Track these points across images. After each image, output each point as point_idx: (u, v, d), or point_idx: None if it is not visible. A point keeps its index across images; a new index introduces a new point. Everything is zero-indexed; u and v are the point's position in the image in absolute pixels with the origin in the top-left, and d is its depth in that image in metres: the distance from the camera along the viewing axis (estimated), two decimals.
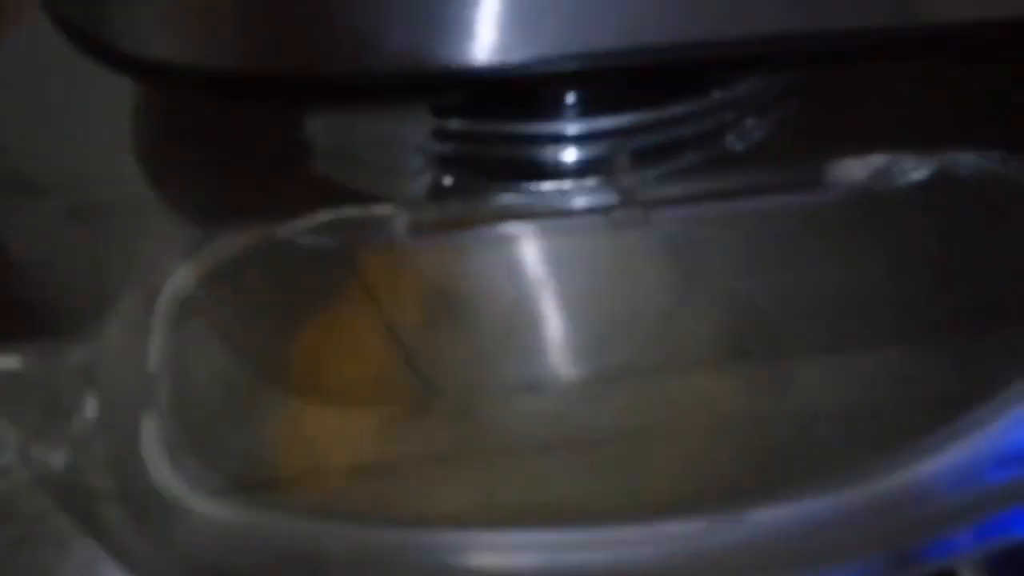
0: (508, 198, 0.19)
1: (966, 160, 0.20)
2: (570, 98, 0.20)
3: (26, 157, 0.24)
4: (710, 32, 0.18)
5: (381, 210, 0.17)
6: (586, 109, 0.21)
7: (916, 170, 0.19)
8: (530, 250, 0.19)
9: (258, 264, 0.17)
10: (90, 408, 0.15)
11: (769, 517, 0.14)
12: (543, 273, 0.19)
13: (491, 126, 0.21)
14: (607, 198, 0.19)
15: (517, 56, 0.18)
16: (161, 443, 0.14)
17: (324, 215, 0.17)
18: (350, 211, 0.17)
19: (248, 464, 0.15)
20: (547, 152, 0.21)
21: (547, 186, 0.20)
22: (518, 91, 0.19)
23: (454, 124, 0.20)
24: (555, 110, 0.21)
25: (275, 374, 0.17)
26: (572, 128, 0.21)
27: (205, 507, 0.14)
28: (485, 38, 0.17)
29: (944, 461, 0.15)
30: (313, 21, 0.17)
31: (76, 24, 0.19)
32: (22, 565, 0.17)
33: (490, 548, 0.14)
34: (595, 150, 0.20)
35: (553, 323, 0.19)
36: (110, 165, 0.23)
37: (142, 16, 0.18)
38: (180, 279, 0.16)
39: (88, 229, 0.22)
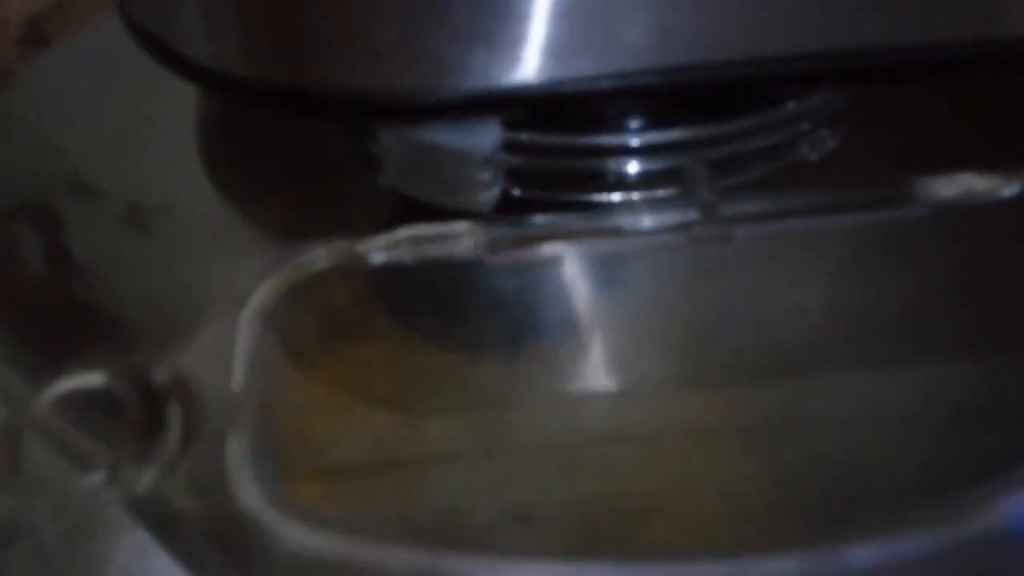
0: (584, 215, 0.19)
1: None
2: (640, 110, 0.20)
3: (87, 159, 0.24)
4: (783, 47, 0.18)
5: (458, 227, 0.17)
6: (656, 120, 0.20)
7: (1005, 188, 0.19)
8: (606, 267, 0.19)
9: (339, 280, 0.17)
10: (175, 428, 0.15)
11: (863, 556, 0.13)
12: (619, 289, 0.19)
13: (561, 139, 0.20)
14: (685, 213, 0.18)
15: (588, 70, 0.17)
16: (247, 466, 0.14)
17: (402, 232, 0.17)
18: (428, 228, 0.17)
19: (335, 487, 0.15)
20: (618, 164, 0.20)
21: (619, 197, 0.20)
22: (587, 104, 0.19)
23: (524, 137, 0.20)
24: (625, 122, 0.20)
25: (358, 391, 0.17)
26: (642, 140, 0.20)
27: (292, 534, 0.14)
28: (556, 56, 0.17)
29: None
30: (384, 41, 0.16)
31: (149, 31, 0.19)
32: (76, 555, 0.17)
33: None
34: (666, 162, 0.20)
35: (625, 336, 0.19)
36: (173, 170, 0.23)
37: (216, 27, 0.18)
38: (262, 296, 0.16)
39: (149, 234, 0.22)
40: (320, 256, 0.16)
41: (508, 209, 0.20)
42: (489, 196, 0.20)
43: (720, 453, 0.16)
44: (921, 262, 0.19)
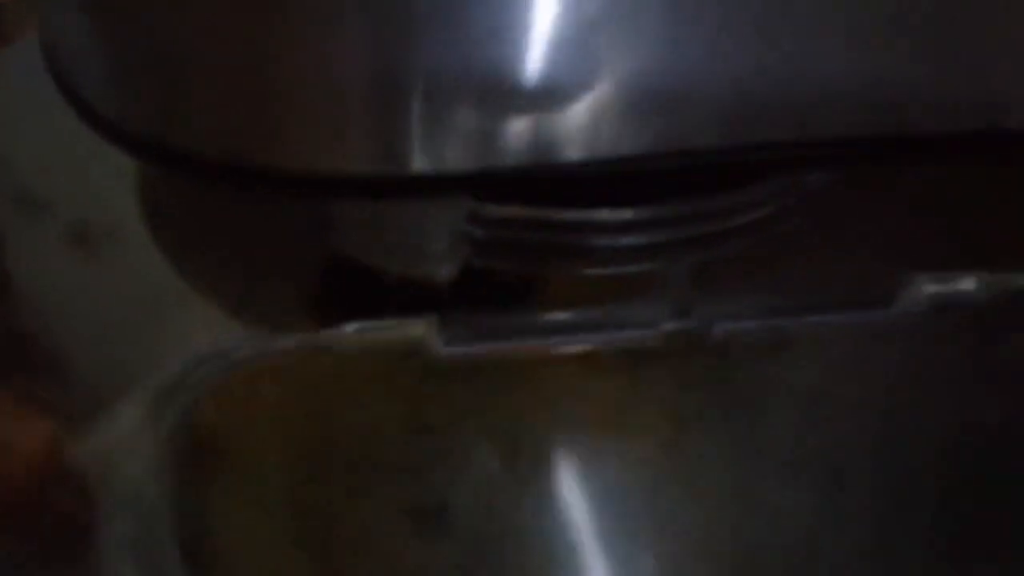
0: (551, 315, 0.18)
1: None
2: (615, 190, 0.20)
3: (29, 171, 0.23)
4: (766, 134, 0.17)
5: (414, 327, 0.16)
6: (632, 198, 0.20)
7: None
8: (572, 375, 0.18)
9: (280, 378, 0.16)
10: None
11: None
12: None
13: (529, 212, 0.20)
14: (658, 312, 0.18)
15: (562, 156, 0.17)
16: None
17: (352, 327, 0.16)
18: (382, 324, 0.16)
19: None
20: (588, 240, 0.20)
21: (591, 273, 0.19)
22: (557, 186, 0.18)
23: (491, 209, 0.19)
24: (597, 198, 0.20)
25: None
26: (613, 216, 0.20)
27: None
28: (530, 140, 0.16)
29: None
30: (338, 120, 0.15)
31: (82, 98, 0.18)
32: None
33: None
34: (638, 238, 0.19)
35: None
36: (123, 187, 0.22)
37: (154, 100, 0.17)
38: (183, 392, 0.15)
39: (91, 254, 0.21)
40: (260, 348, 0.15)
41: (467, 280, 0.19)
42: (449, 268, 0.19)
43: None
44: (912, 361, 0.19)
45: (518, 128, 0.16)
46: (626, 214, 0.19)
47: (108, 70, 0.17)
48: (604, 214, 0.20)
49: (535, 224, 0.20)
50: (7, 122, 0.23)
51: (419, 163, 0.16)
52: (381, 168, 0.16)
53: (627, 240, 0.19)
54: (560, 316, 0.18)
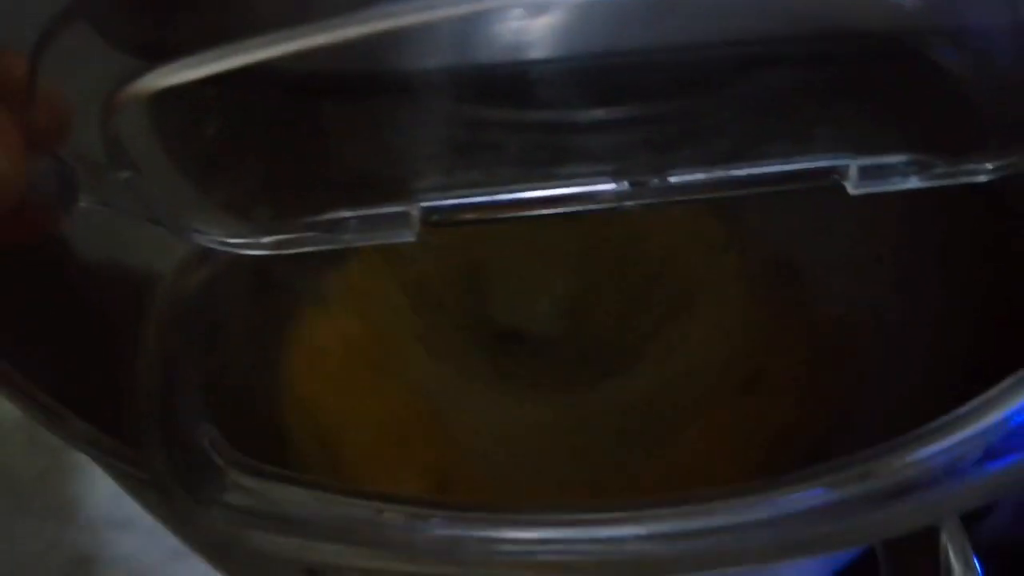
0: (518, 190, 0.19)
1: None
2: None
3: None
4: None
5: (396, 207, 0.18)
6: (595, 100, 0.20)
7: None
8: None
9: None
10: None
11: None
12: None
13: (508, 114, 0.21)
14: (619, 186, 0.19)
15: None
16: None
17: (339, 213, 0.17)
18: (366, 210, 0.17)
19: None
20: (561, 140, 0.21)
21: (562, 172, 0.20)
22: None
23: (471, 111, 0.21)
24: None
25: None
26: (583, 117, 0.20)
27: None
28: None
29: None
30: None
31: None
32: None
33: None
34: (605, 140, 0.20)
35: None
36: None
37: None
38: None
39: None
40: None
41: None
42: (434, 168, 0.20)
43: None
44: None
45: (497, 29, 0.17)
46: (609, 113, 0.20)
47: None
48: (585, 114, 0.21)
49: (515, 125, 0.21)
50: None
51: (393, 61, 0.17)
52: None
53: (604, 139, 0.20)
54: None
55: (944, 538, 0.18)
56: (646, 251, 0.25)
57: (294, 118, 0.17)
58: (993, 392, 0.18)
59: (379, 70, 0.17)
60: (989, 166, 0.19)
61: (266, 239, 0.17)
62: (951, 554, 0.18)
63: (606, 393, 0.23)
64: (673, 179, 0.18)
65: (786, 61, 0.18)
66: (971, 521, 0.39)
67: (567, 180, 0.18)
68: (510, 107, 0.18)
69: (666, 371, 0.25)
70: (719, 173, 0.18)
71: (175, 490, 0.16)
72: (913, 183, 0.19)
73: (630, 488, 0.22)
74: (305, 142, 0.18)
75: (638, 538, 0.16)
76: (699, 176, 0.18)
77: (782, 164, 0.18)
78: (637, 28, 0.17)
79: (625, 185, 0.18)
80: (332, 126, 0.18)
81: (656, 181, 0.18)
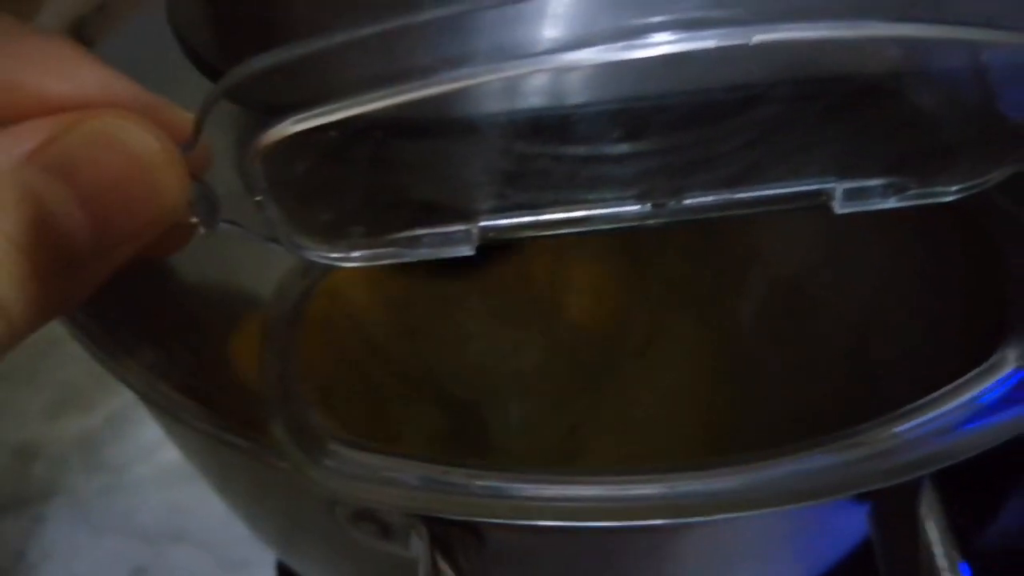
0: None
1: None
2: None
3: None
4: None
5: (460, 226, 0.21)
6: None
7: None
8: None
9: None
10: None
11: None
12: None
13: (549, 148, 0.25)
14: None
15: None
16: None
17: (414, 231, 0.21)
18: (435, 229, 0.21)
19: None
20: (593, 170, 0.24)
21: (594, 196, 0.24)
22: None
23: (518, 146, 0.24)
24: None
25: None
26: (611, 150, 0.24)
27: None
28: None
29: None
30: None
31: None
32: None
33: None
34: (629, 170, 0.24)
35: None
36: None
37: None
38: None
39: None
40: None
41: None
42: (486, 195, 0.24)
43: None
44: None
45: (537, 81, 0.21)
46: (632, 146, 0.24)
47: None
48: (612, 148, 0.24)
49: (555, 158, 0.25)
50: None
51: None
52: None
53: (628, 169, 0.24)
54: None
55: (931, 536, 0.22)
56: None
57: (380, 156, 0.21)
58: (949, 387, 0.21)
59: (445, 115, 0.21)
60: (954, 188, 0.22)
61: (357, 253, 0.21)
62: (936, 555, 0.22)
63: None
64: (687, 201, 0.22)
65: (781, 99, 0.22)
66: (977, 527, 0.41)
67: (598, 203, 0.22)
68: (551, 143, 0.22)
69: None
70: (725, 195, 0.22)
71: (295, 455, 0.20)
72: (891, 203, 0.22)
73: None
74: (388, 175, 0.22)
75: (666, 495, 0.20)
76: (709, 198, 0.22)
77: (778, 187, 0.22)
78: (656, 76, 0.21)
79: (648, 207, 0.22)
80: (408, 161, 0.22)
81: (673, 203, 0.22)
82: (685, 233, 0.24)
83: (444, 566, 0.21)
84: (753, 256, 0.28)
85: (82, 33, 0.31)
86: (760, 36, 0.14)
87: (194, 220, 0.18)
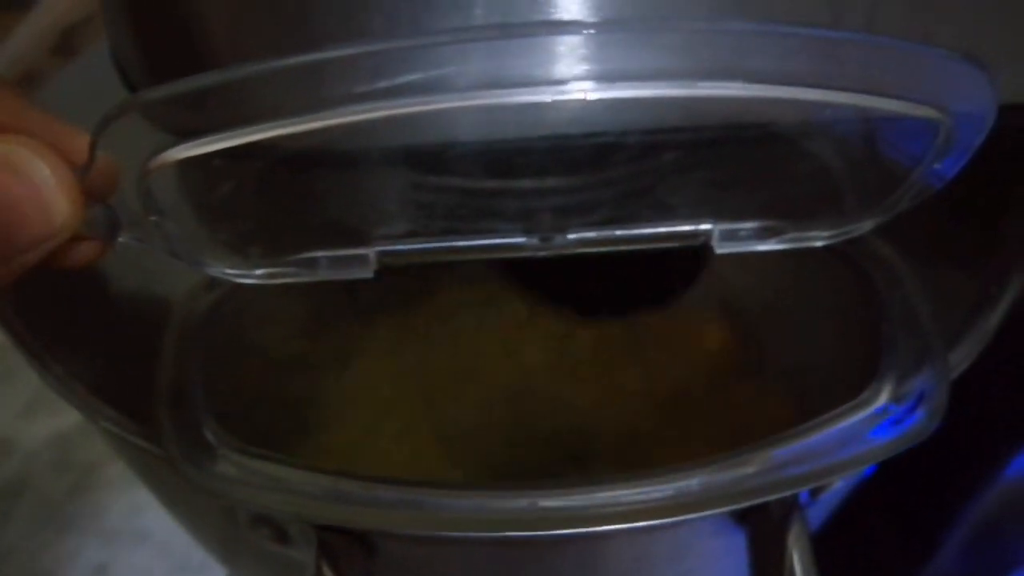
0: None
1: None
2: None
3: None
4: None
5: (358, 250, 0.23)
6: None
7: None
8: None
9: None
10: None
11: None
12: None
13: (463, 182, 0.26)
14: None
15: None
16: None
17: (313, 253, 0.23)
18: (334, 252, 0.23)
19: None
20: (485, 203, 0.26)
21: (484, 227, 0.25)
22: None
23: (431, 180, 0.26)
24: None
25: None
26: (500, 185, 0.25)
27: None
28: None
29: None
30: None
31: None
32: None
33: None
34: (518, 204, 0.25)
35: None
36: None
37: None
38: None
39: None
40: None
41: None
42: (398, 226, 0.26)
43: None
44: None
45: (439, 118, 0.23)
46: (522, 184, 0.26)
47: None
48: (502, 183, 0.26)
49: (469, 191, 0.26)
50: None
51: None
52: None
53: (517, 203, 0.25)
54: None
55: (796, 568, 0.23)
56: None
57: (281, 182, 0.23)
58: (826, 415, 0.23)
59: (344, 148, 0.22)
60: (826, 233, 0.24)
61: (258, 271, 0.23)
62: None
63: None
64: (571, 236, 0.23)
65: (666, 146, 0.23)
66: (918, 562, 0.42)
67: (490, 234, 0.23)
68: (446, 176, 0.24)
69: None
70: (607, 232, 0.23)
71: (179, 460, 0.21)
72: (767, 245, 0.24)
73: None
74: (288, 200, 0.23)
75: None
76: (591, 234, 0.23)
77: (657, 226, 0.23)
78: (552, 120, 0.22)
79: (535, 239, 0.23)
80: (310, 188, 0.23)
81: (558, 237, 0.23)
82: None
83: (327, 571, 0.22)
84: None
85: (71, 41, 0.33)
86: (596, 94, 0.16)
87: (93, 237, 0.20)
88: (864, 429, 0.23)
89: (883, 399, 0.23)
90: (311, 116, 0.18)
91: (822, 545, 0.24)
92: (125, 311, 0.26)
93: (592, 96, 0.16)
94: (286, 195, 0.23)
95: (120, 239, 0.21)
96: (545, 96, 0.17)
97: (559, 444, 0.28)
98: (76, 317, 0.26)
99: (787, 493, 0.22)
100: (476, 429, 0.27)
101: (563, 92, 0.16)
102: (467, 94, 0.17)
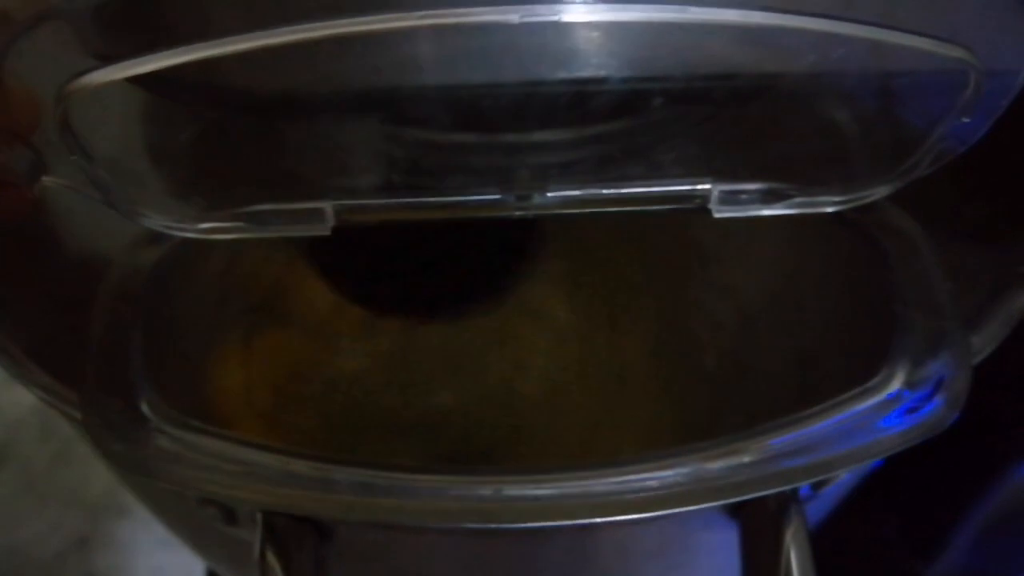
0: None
1: None
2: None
3: None
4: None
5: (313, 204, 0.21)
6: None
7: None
8: None
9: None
10: None
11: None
12: None
13: (437, 135, 0.24)
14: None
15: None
16: None
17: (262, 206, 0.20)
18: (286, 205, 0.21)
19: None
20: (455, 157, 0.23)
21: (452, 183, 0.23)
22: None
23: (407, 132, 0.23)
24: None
25: None
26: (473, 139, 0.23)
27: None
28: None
29: None
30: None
31: None
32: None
33: None
34: (493, 160, 0.23)
35: None
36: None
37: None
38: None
39: None
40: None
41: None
42: (371, 181, 0.24)
43: None
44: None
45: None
46: (524, 136, 0.23)
47: None
48: (504, 137, 0.24)
49: (437, 145, 0.24)
50: None
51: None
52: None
53: (492, 159, 0.23)
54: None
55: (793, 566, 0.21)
56: None
57: (234, 128, 0.20)
58: (830, 402, 0.20)
59: (304, 92, 0.20)
60: (837, 199, 0.21)
61: (202, 225, 0.20)
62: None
63: None
64: (551, 194, 0.21)
65: (665, 95, 0.21)
66: (927, 558, 0.40)
67: (457, 191, 0.21)
68: (414, 127, 0.21)
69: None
70: (592, 191, 0.21)
71: (102, 433, 0.19)
72: (771, 210, 0.21)
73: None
74: (241, 148, 0.21)
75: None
76: (575, 192, 0.21)
77: (649, 185, 0.21)
78: (525, 60, 0.20)
79: (512, 197, 0.21)
80: (266, 137, 0.21)
81: (537, 196, 0.21)
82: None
83: (272, 558, 0.20)
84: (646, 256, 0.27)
85: None
86: (571, 16, 0.13)
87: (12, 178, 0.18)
88: (874, 417, 0.20)
89: (896, 384, 0.21)
90: (250, 36, 0.16)
91: (823, 541, 0.22)
92: (67, 266, 0.24)
93: (567, 18, 0.14)
94: (239, 142, 0.21)
95: (44, 182, 0.18)
96: (512, 16, 0.14)
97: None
98: (11, 273, 0.24)
99: (786, 487, 0.20)
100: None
101: (532, 13, 0.14)
102: (423, 12, 0.14)
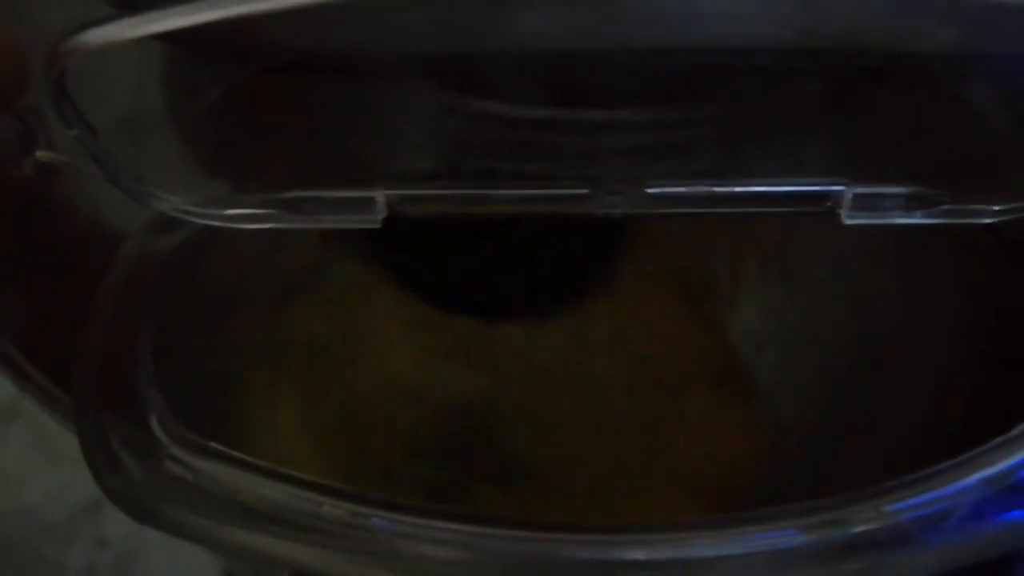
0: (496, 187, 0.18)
1: None
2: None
3: None
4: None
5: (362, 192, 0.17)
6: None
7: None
8: None
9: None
10: None
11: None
12: None
13: (503, 108, 0.20)
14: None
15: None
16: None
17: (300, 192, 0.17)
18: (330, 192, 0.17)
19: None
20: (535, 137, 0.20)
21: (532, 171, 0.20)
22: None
23: (466, 102, 0.20)
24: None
25: None
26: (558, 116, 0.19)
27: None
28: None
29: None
30: None
31: None
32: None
33: None
34: (580, 142, 0.19)
35: None
36: None
37: None
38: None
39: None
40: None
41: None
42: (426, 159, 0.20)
43: None
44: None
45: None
46: (618, 114, 0.19)
47: None
48: (560, 113, 0.20)
49: (511, 121, 0.20)
50: None
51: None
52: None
53: (579, 141, 0.19)
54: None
55: None
56: None
57: (262, 88, 0.17)
58: (979, 450, 0.17)
59: (353, 51, 0.16)
60: (996, 207, 0.17)
61: (227, 212, 0.17)
62: None
63: None
64: (651, 191, 0.17)
65: (787, 74, 0.17)
66: None
67: (537, 181, 0.17)
68: (486, 99, 0.18)
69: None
70: (701, 188, 0.17)
71: (106, 468, 0.16)
72: (913, 218, 0.18)
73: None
74: (278, 120, 0.18)
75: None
76: (679, 189, 0.17)
77: (770, 185, 0.17)
78: (628, 24, 0.16)
79: (602, 192, 0.17)
80: (307, 107, 0.18)
81: (633, 192, 0.17)
82: None
83: None
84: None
85: None
86: None
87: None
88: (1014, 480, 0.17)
89: None
90: None
91: None
92: (67, 255, 0.20)
93: None
94: (275, 113, 0.17)
95: (38, 157, 0.15)
96: None
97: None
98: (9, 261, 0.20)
99: None
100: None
101: None
102: None
